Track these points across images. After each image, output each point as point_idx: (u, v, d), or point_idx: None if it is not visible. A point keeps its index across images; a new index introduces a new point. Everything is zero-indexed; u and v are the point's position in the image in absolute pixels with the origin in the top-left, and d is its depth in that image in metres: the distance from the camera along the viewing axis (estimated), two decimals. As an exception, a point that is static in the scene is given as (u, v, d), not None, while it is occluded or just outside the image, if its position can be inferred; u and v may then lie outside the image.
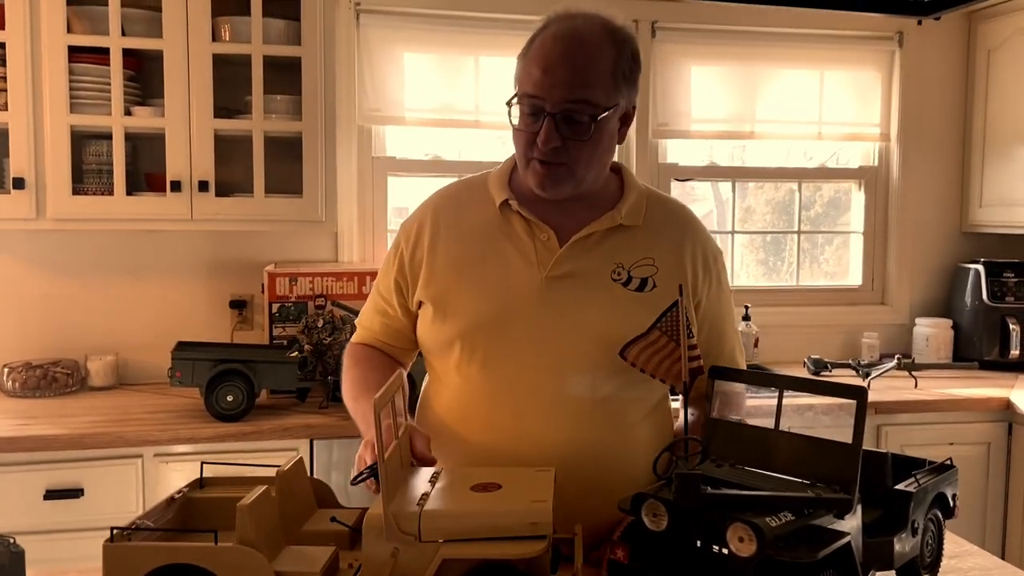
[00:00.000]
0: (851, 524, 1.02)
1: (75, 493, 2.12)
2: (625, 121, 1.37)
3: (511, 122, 1.33)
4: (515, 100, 1.31)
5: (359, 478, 1.12)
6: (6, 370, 2.53)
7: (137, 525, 1.02)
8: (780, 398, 1.12)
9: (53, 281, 2.69)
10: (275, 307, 2.50)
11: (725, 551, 0.95)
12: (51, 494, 2.11)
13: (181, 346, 2.29)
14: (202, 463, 1.19)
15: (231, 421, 2.21)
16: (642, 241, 1.38)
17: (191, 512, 1.15)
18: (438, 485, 1.06)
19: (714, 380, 1.19)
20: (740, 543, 0.94)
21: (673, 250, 1.39)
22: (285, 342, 2.46)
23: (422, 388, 1.49)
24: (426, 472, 1.11)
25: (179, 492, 1.14)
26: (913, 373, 2.79)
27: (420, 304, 1.41)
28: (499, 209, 1.38)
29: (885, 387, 2.73)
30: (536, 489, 1.03)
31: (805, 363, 2.94)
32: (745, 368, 1.53)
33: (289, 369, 2.29)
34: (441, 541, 0.95)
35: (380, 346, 1.52)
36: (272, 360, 2.28)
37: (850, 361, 2.92)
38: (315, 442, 2.23)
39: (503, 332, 1.32)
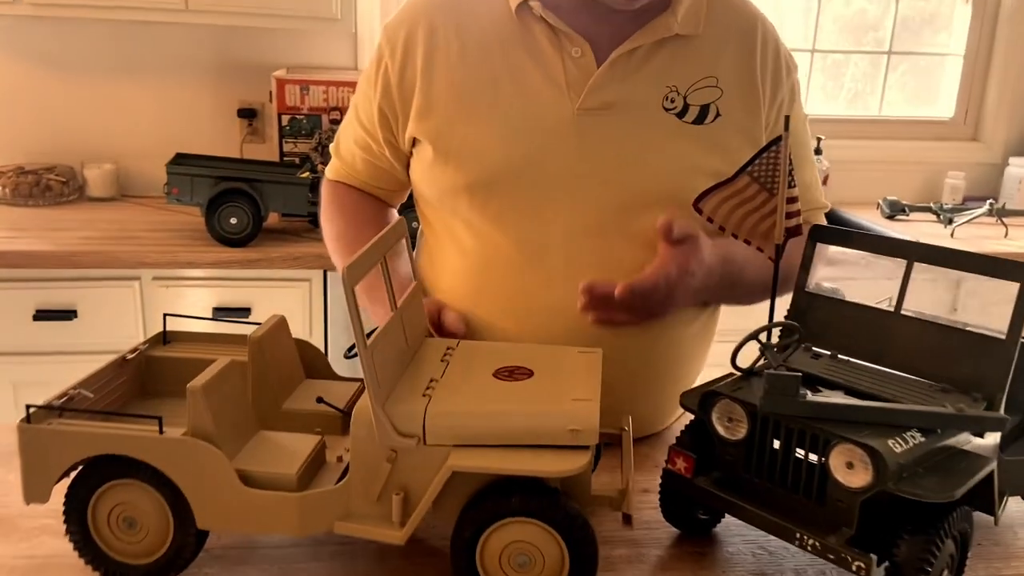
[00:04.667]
0: (989, 443, 0.78)
1: (68, 315, 1.95)
2: None
3: None
4: None
5: (353, 352, 0.89)
6: (-5, 175, 2.32)
7: (70, 396, 0.80)
8: (907, 272, 0.85)
9: (43, 78, 2.40)
10: (285, 119, 2.21)
11: (823, 461, 0.72)
12: (41, 315, 1.94)
13: (178, 159, 2.03)
14: (165, 315, 0.96)
15: (236, 246, 1.99)
16: (701, 55, 1.05)
17: (151, 375, 0.93)
18: (451, 366, 0.82)
19: (816, 244, 0.92)
20: (849, 470, 0.71)
21: (740, 64, 1.06)
22: (297, 160, 2.19)
23: (416, 244, 1.22)
24: (437, 345, 0.87)
25: (135, 350, 0.92)
26: (1004, 220, 2.47)
27: (414, 142, 1.10)
28: (515, 13, 1.04)
29: (971, 235, 2.42)
30: (579, 379, 0.79)
31: (879, 205, 2.63)
32: (824, 213, 1.24)
33: (299, 191, 2.03)
34: (451, 446, 0.72)
35: (364, 188, 1.23)
36: (281, 180, 2.02)
37: (931, 204, 2.60)
38: (329, 274, 2.01)
39: (525, 182, 1.02)
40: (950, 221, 2.47)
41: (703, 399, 0.79)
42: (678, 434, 0.83)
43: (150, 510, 0.75)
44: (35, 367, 1.95)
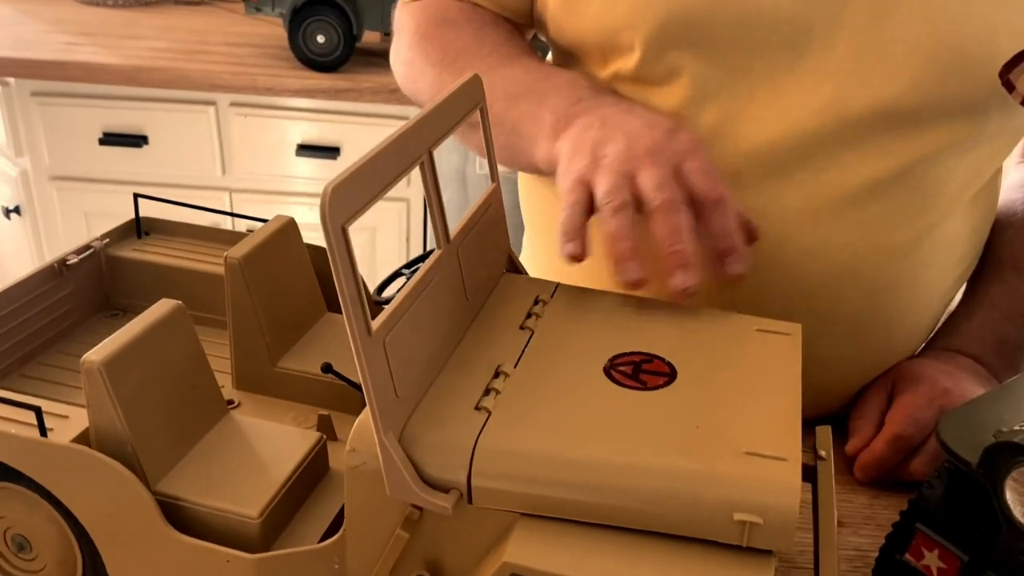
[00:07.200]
0: None
1: (137, 141, 1.71)
2: None
3: None
4: None
5: (383, 299, 0.56)
6: (70, -32, 2.04)
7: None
8: None
9: None
10: (389, -90, 1.79)
11: None
12: (109, 138, 1.70)
13: (257, -44, 1.68)
14: (136, 195, 0.66)
15: (324, 70, 1.66)
16: None
17: (117, 282, 0.65)
18: (534, 341, 0.48)
19: None
20: None
21: None
22: (400, -37, 1.80)
23: None
24: (519, 291, 0.53)
25: (84, 249, 0.63)
26: None
27: None
28: None
29: None
30: (761, 396, 0.44)
31: None
32: None
33: (400, 4, 1.66)
34: (516, 513, 0.40)
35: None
36: (378, -11, 1.65)
37: None
38: (429, 111, 1.67)
39: (724, 28, 0.61)
40: None
41: (993, 452, 0.43)
42: (922, 487, 0.48)
43: (45, 530, 0.48)
44: (105, 196, 1.74)
